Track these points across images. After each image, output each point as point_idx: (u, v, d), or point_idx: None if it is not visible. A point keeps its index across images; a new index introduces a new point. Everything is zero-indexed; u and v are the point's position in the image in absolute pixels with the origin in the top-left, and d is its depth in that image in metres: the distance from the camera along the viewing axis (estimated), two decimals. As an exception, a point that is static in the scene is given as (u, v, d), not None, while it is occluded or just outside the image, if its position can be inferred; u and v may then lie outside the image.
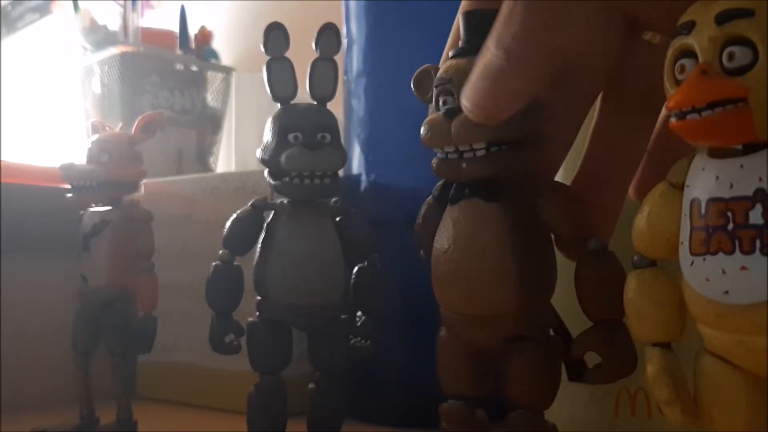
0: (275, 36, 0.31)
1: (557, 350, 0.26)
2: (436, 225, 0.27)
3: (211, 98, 0.87)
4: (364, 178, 0.50)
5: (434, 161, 0.26)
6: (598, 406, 0.33)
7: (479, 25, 0.25)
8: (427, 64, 0.27)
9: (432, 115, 0.26)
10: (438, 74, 0.26)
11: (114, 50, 0.79)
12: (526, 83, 0.23)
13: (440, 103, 0.26)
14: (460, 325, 0.26)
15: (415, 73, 0.28)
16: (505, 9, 0.23)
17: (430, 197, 0.28)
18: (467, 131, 0.24)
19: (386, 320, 0.35)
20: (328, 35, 0.32)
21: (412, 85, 0.28)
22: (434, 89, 0.26)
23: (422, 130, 0.26)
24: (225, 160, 0.92)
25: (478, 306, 0.25)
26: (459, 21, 0.26)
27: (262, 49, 0.32)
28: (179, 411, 0.53)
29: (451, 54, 0.26)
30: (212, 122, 0.87)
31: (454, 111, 0.25)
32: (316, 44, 0.32)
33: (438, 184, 0.28)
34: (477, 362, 0.27)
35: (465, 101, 0.24)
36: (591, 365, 0.26)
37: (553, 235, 0.26)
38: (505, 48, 0.23)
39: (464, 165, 0.25)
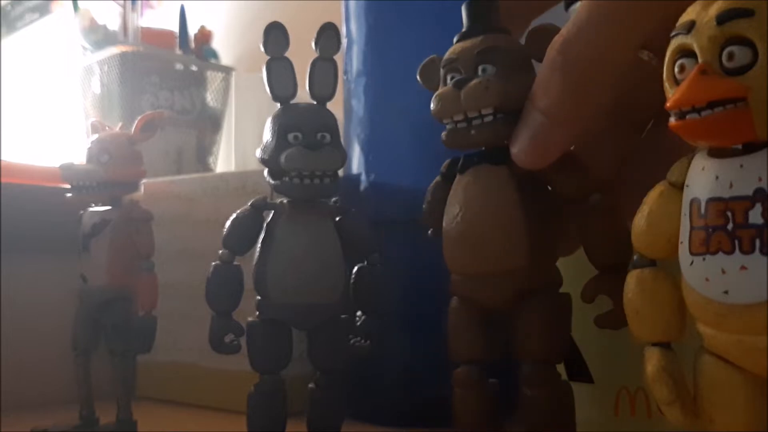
0: (275, 36, 0.31)
1: (566, 304, 0.27)
2: (444, 201, 0.28)
3: (210, 98, 0.87)
4: (364, 178, 0.50)
5: (444, 134, 0.28)
6: (598, 406, 0.33)
7: (480, 11, 0.28)
8: (432, 55, 0.29)
9: (441, 89, 0.27)
10: (446, 56, 0.28)
11: (114, 50, 0.79)
12: (569, 137, 0.25)
13: (448, 80, 0.27)
14: (471, 286, 0.27)
15: (421, 65, 0.29)
16: (545, 73, 0.25)
17: (438, 176, 0.30)
18: (476, 97, 0.26)
19: (386, 320, 0.35)
20: (328, 35, 0.32)
21: (417, 75, 0.29)
22: (442, 70, 0.28)
23: (432, 103, 0.27)
24: (225, 160, 0.92)
25: (490, 263, 0.26)
26: (462, 8, 0.28)
27: (262, 49, 0.32)
28: (179, 411, 0.53)
29: (455, 39, 0.28)
30: (212, 122, 0.87)
31: (463, 81, 0.26)
32: (316, 44, 0.32)
33: (445, 162, 0.29)
34: (488, 326, 0.28)
35: (514, 151, 0.26)
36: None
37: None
38: (549, 114, 0.25)
39: (473, 132, 0.26)
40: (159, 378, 0.56)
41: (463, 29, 0.28)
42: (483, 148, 0.28)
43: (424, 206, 0.30)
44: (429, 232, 0.30)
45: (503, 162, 0.27)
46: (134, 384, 0.56)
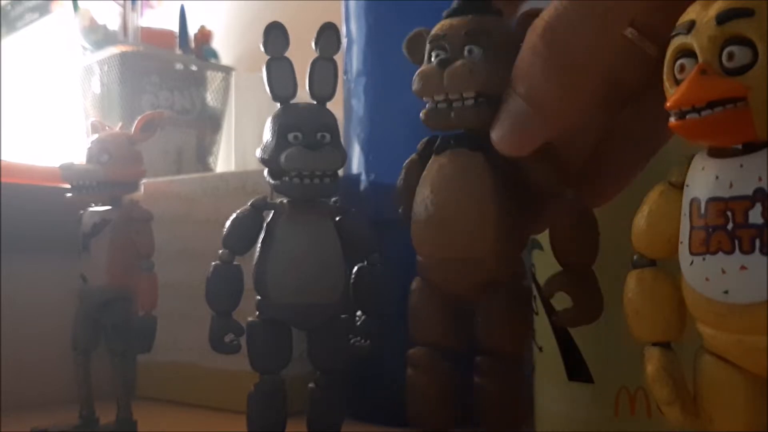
0: (275, 36, 0.31)
1: (528, 296, 0.27)
2: (417, 181, 0.28)
3: (210, 98, 0.87)
4: (364, 177, 0.50)
5: (423, 112, 0.27)
6: (598, 406, 0.33)
7: None
8: (419, 28, 0.28)
9: (424, 66, 0.27)
10: (433, 31, 0.27)
11: (114, 50, 0.79)
12: (553, 127, 0.24)
13: (432, 57, 0.27)
14: (436, 270, 0.27)
15: (408, 37, 0.29)
16: (526, 59, 0.23)
17: (412, 155, 0.29)
18: (459, 80, 0.25)
19: (386, 320, 0.35)
20: (328, 35, 0.32)
21: (404, 48, 0.29)
22: (428, 45, 0.27)
23: (414, 80, 0.27)
24: (225, 160, 0.92)
25: (456, 249, 0.26)
26: None
27: (262, 49, 0.32)
28: (179, 411, 0.53)
29: (444, 14, 0.27)
30: (212, 122, 0.87)
31: (447, 61, 0.26)
32: (316, 44, 0.32)
33: (422, 140, 0.29)
34: (450, 311, 0.27)
35: (494, 137, 0.25)
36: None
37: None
38: (531, 103, 0.23)
39: (453, 114, 0.26)
40: (159, 378, 0.56)
41: (454, 5, 0.27)
42: (461, 131, 0.27)
43: (397, 183, 0.30)
44: (399, 210, 0.30)
45: (480, 148, 0.26)
46: (134, 384, 0.56)
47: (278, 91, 0.32)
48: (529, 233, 0.28)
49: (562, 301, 0.27)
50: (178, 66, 0.84)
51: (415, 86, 0.27)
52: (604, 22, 0.22)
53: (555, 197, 0.26)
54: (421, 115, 0.27)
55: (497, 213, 0.26)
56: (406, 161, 0.30)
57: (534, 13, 0.26)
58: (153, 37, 0.85)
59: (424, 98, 0.27)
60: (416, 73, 0.27)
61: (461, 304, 0.27)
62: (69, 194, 0.40)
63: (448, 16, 0.27)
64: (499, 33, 0.26)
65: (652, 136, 0.28)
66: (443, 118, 0.26)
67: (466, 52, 0.26)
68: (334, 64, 0.33)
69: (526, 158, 0.25)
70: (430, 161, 0.27)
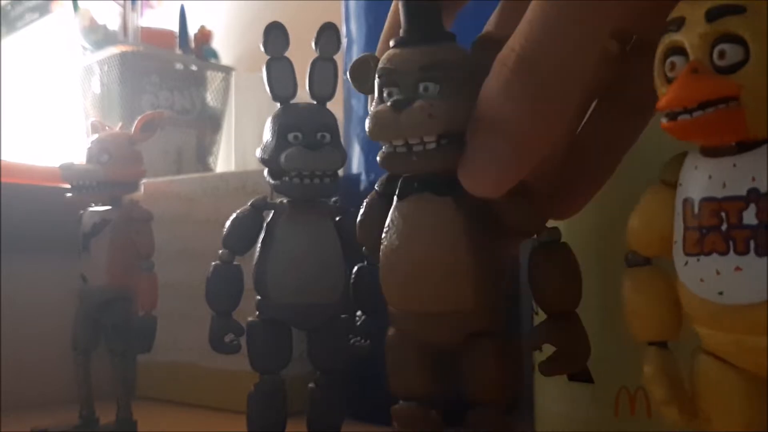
0: (275, 36, 0.31)
1: (517, 345, 0.26)
2: (381, 221, 0.25)
3: (210, 98, 0.87)
4: (363, 177, 0.50)
5: (380, 155, 0.25)
6: (598, 406, 0.33)
7: (421, 15, 0.24)
8: (365, 53, 0.26)
9: (377, 107, 0.24)
10: (380, 64, 0.24)
11: (114, 50, 0.79)
12: (533, 160, 0.22)
13: (384, 95, 0.24)
14: (414, 324, 0.25)
15: (352, 63, 0.26)
16: (497, 94, 0.21)
17: (373, 192, 0.27)
18: (417, 124, 0.23)
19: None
20: (328, 35, 0.32)
21: (348, 76, 0.26)
22: (377, 79, 0.25)
23: (367, 123, 0.24)
24: (225, 160, 0.92)
25: (436, 303, 0.24)
26: (399, 7, 0.24)
27: (262, 49, 0.32)
28: (179, 411, 0.53)
29: (392, 43, 0.25)
30: (212, 122, 0.87)
31: (402, 102, 0.23)
32: (316, 44, 0.32)
33: (382, 177, 0.27)
34: (429, 361, 0.26)
35: (466, 179, 0.23)
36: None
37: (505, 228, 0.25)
38: (507, 139, 0.21)
39: (415, 158, 0.23)
40: (159, 378, 0.56)
41: (401, 33, 0.24)
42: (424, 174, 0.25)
43: (357, 221, 0.27)
44: (363, 249, 0.28)
45: (448, 192, 0.24)
46: (134, 384, 0.56)
47: (278, 91, 0.32)
48: (508, 276, 0.26)
49: (547, 348, 0.25)
50: (178, 66, 0.84)
51: (368, 129, 0.24)
52: (583, 43, 0.20)
53: (528, 237, 0.25)
54: (378, 158, 0.25)
55: (473, 261, 0.24)
56: (367, 198, 0.27)
57: (493, 39, 0.23)
58: (153, 37, 0.86)
59: (380, 142, 0.25)
60: (370, 113, 0.24)
61: (442, 352, 0.26)
62: (69, 194, 0.40)
63: (397, 45, 0.24)
64: (456, 64, 0.24)
65: (618, 140, 0.27)
66: (404, 164, 0.24)
67: (421, 89, 0.23)
68: (334, 64, 0.33)
69: (499, 197, 0.23)
70: (394, 206, 0.25)
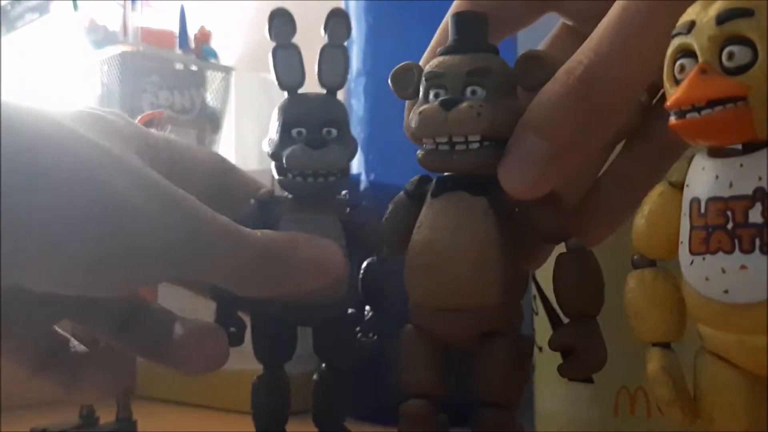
0: (279, 22, 0.30)
1: (529, 348, 0.27)
2: (407, 221, 0.27)
3: (210, 98, 0.87)
4: (364, 178, 0.50)
5: (420, 152, 0.26)
6: (598, 406, 0.33)
7: (470, 25, 0.26)
8: (409, 61, 0.28)
9: (423, 106, 0.26)
10: (429, 68, 0.26)
11: (114, 50, 0.79)
12: (575, 165, 0.24)
13: (431, 96, 0.26)
14: (434, 319, 0.26)
15: (395, 68, 0.28)
16: (558, 100, 0.23)
17: (401, 192, 0.28)
18: (465, 122, 0.24)
19: (390, 319, 0.35)
20: (338, 21, 0.31)
21: (390, 80, 0.28)
22: (424, 83, 0.26)
23: (413, 120, 0.25)
24: (225, 160, 0.92)
25: (457, 298, 0.25)
26: (449, 21, 0.27)
27: (267, 36, 0.30)
28: (179, 411, 0.53)
29: (440, 51, 0.26)
30: (212, 122, 0.87)
31: (451, 101, 0.25)
32: (325, 29, 0.31)
33: (413, 179, 0.28)
34: (442, 359, 0.27)
35: (507, 177, 0.24)
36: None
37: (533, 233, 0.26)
38: (556, 143, 0.23)
39: (455, 157, 0.25)
40: (159, 378, 0.56)
41: (450, 42, 0.26)
42: (459, 174, 0.26)
43: (383, 221, 0.28)
44: (384, 250, 0.29)
45: (482, 193, 0.25)
46: (134, 384, 0.56)
47: (285, 80, 0.30)
48: (527, 279, 0.27)
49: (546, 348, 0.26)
50: (178, 66, 0.84)
51: (414, 126, 0.25)
52: (646, 68, 0.22)
53: (557, 243, 0.26)
54: (418, 155, 0.26)
55: (501, 261, 0.25)
56: (394, 199, 0.28)
57: (534, 57, 0.25)
58: (153, 37, 0.86)
59: (423, 139, 0.26)
60: (415, 111, 0.26)
61: (454, 349, 0.27)
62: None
63: (446, 53, 0.26)
64: (501, 73, 0.25)
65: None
66: (444, 162, 0.26)
67: (468, 92, 0.25)
68: (344, 50, 0.31)
69: (530, 201, 0.25)
70: (427, 204, 0.26)
